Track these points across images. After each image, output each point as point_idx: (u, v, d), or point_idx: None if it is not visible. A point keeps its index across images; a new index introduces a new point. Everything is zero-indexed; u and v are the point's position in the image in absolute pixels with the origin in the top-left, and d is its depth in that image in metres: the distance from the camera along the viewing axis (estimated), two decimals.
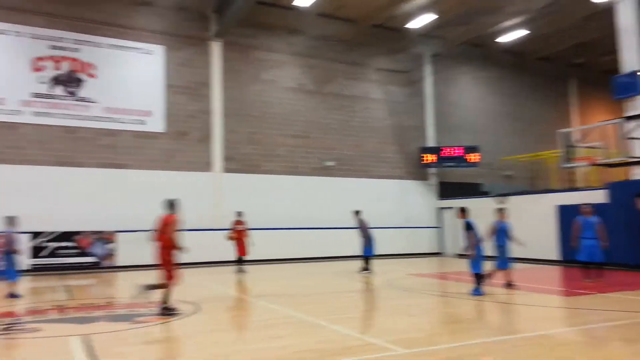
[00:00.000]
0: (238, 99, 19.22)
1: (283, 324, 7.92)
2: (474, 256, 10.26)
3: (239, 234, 15.29)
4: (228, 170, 18.75)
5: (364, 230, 14.85)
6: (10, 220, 10.79)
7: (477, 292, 10.18)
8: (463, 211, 10.62)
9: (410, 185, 22.19)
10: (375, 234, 19.53)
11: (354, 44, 21.63)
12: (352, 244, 19.33)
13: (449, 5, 19.31)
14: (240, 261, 15.29)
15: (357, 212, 15.14)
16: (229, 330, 7.89)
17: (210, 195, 18.35)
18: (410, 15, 19.84)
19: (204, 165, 18.42)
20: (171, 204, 8.60)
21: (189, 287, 12.11)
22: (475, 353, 6.05)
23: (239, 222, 15.44)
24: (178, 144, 18.09)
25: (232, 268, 15.44)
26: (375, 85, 22.08)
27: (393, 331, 7.68)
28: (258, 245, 15.89)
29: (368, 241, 14.84)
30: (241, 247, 15.25)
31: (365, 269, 14.58)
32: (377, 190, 21.03)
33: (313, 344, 6.46)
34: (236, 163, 18.95)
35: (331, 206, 20.08)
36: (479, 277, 10.28)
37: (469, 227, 10.30)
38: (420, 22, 19.91)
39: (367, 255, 14.72)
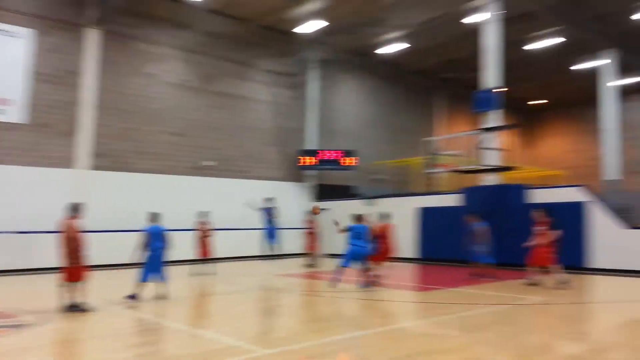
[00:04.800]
0: (114, 92, 18.05)
1: (141, 331, 7.61)
2: None
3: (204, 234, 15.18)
4: (97, 167, 17.52)
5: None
6: None
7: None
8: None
9: (287, 186, 22.38)
10: (249, 235, 19.61)
11: (243, 44, 21.40)
12: (226, 245, 18.87)
13: (340, 13, 19.73)
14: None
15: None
16: (82, 340, 7.34)
17: (72, 194, 16.86)
18: (301, 19, 20.01)
19: (67, 161, 17.03)
20: None
21: (32, 295, 11.16)
22: (334, 350, 6.33)
23: (203, 223, 15.33)
24: (38, 137, 16.54)
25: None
26: (261, 86, 22.06)
27: (257, 332, 7.77)
28: (123, 247, 14.95)
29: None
30: (204, 249, 15.11)
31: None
32: (254, 191, 20.89)
33: (172, 350, 6.33)
34: (107, 160, 17.78)
35: (207, 207, 19.56)
36: None
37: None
38: (310, 27, 20.12)
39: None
